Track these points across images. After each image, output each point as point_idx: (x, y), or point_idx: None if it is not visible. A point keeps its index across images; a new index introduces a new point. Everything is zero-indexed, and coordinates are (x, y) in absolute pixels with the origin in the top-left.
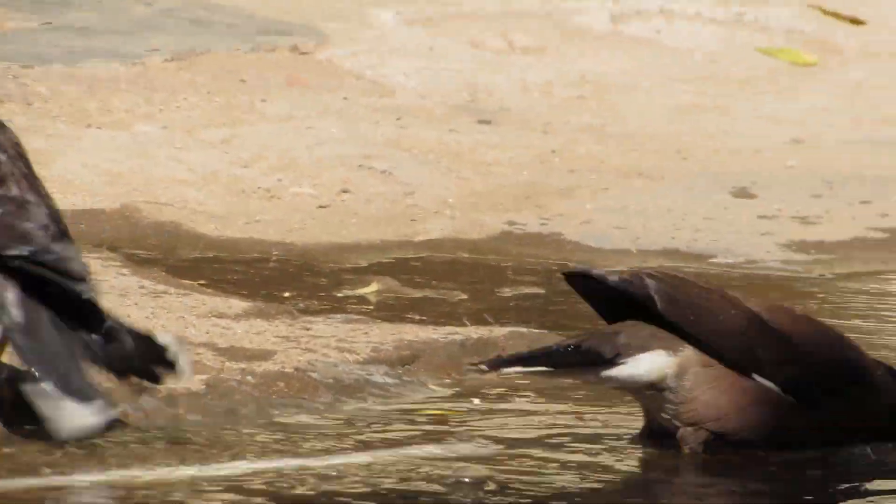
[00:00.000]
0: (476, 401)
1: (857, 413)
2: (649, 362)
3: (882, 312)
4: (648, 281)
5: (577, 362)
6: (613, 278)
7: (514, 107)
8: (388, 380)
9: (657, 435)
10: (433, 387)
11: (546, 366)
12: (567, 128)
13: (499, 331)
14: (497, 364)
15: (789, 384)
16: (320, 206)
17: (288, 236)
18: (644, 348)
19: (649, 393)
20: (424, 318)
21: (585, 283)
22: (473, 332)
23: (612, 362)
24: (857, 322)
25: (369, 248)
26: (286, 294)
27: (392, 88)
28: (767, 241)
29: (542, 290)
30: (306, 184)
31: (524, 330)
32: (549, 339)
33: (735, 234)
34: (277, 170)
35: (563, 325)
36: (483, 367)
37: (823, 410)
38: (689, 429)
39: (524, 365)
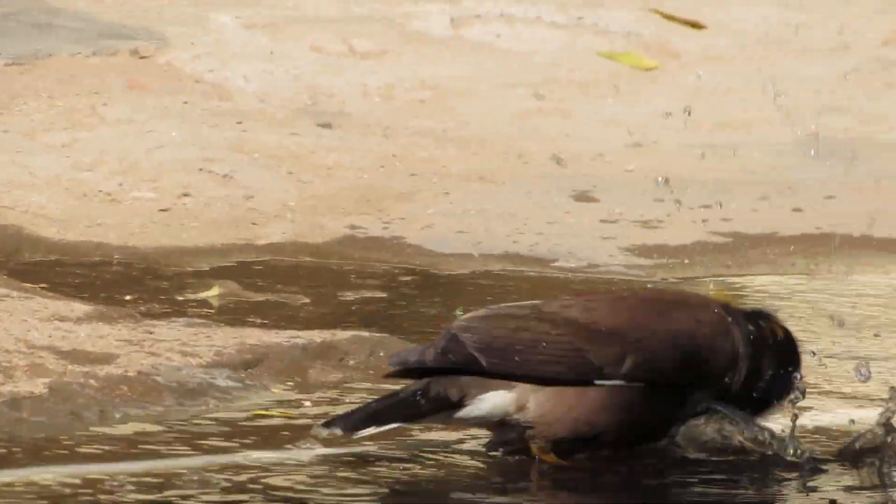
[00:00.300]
0: (308, 402)
1: (709, 377)
2: (491, 403)
3: None
4: (464, 336)
5: (428, 411)
6: (430, 356)
7: (355, 111)
8: (231, 383)
9: (506, 436)
10: (276, 390)
11: (400, 422)
12: (407, 132)
13: (341, 335)
14: (351, 426)
15: (633, 374)
16: (161, 210)
17: (129, 240)
18: (485, 387)
19: (499, 426)
20: (267, 321)
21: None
22: (316, 335)
23: (458, 405)
24: None
25: (211, 252)
26: (128, 298)
27: (232, 92)
28: (609, 245)
29: (384, 294)
30: (147, 188)
31: (366, 334)
32: (392, 343)
33: (577, 237)
34: (118, 173)
35: (405, 329)
36: (336, 430)
37: (675, 386)
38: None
39: (378, 424)
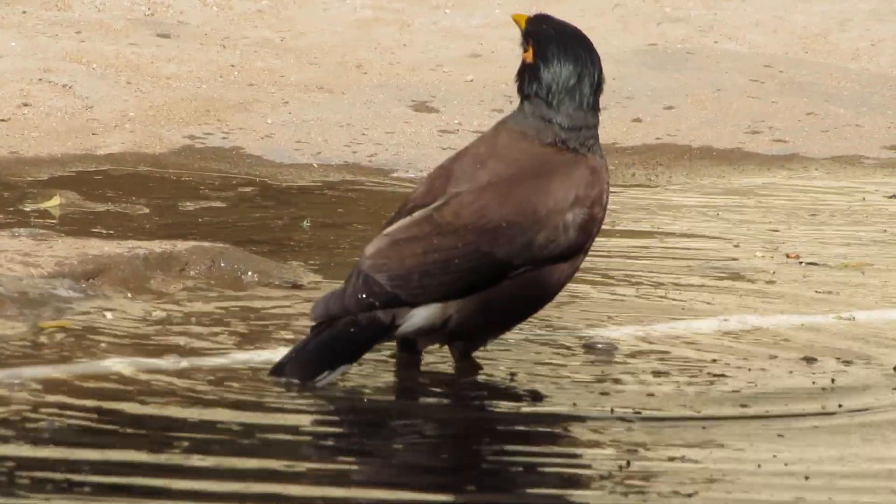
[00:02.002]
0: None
1: (600, 221)
2: (421, 317)
3: None
4: (378, 275)
5: (370, 342)
6: (353, 303)
7: (193, 21)
8: (73, 294)
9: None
10: (118, 301)
11: (349, 362)
12: (246, 42)
13: (182, 245)
14: (307, 377)
15: (541, 257)
16: (0, 120)
17: None
18: (410, 306)
19: (429, 333)
20: (107, 232)
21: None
22: (157, 246)
23: (393, 326)
24: None
25: (51, 162)
26: None
27: (70, 2)
28: (448, 155)
29: (224, 205)
30: None
31: (207, 245)
32: (232, 253)
33: (416, 147)
34: None
35: (245, 240)
36: (294, 381)
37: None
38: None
39: (331, 369)
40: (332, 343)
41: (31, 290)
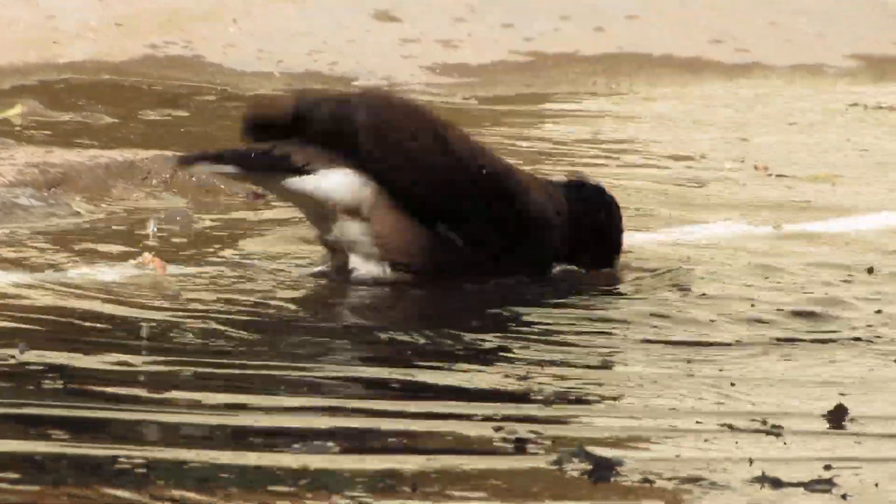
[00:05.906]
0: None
1: (528, 254)
2: (338, 180)
3: (520, 136)
4: (358, 112)
5: (266, 166)
6: (324, 110)
7: None
8: (35, 203)
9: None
10: (79, 209)
11: (235, 166)
12: None
13: (143, 154)
14: (188, 160)
15: (470, 237)
16: None
17: None
18: (334, 163)
19: (341, 217)
20: (69, 141)
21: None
22: (118, 155)
23: (300, 171)
24: (498, 140)
25: (12, 72)
26: None
27: None
28: (410, 63)
29: (185, 113)
30: None
31: (169, 153)
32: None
33: (378, 56)
34: None
35: (207, 148)
36: (176, 162)
37: (499, 256)
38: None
39: (213, 162)
40: (232, 152)
41: None
